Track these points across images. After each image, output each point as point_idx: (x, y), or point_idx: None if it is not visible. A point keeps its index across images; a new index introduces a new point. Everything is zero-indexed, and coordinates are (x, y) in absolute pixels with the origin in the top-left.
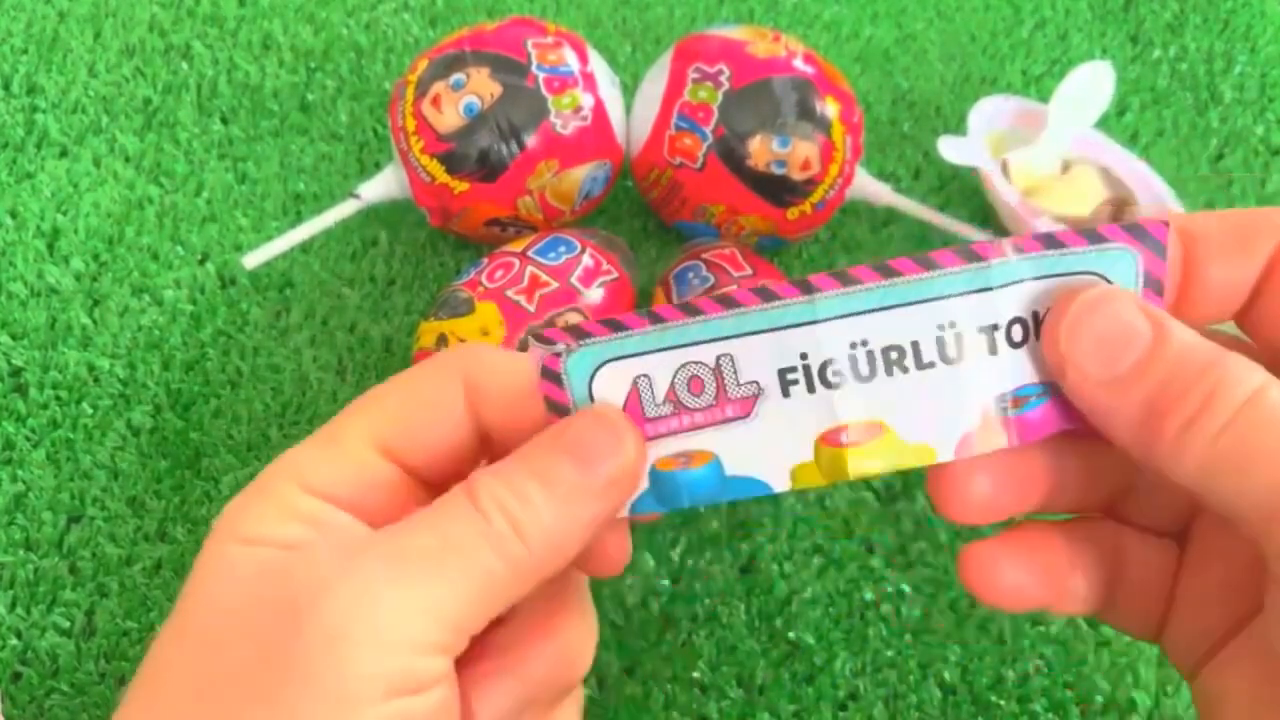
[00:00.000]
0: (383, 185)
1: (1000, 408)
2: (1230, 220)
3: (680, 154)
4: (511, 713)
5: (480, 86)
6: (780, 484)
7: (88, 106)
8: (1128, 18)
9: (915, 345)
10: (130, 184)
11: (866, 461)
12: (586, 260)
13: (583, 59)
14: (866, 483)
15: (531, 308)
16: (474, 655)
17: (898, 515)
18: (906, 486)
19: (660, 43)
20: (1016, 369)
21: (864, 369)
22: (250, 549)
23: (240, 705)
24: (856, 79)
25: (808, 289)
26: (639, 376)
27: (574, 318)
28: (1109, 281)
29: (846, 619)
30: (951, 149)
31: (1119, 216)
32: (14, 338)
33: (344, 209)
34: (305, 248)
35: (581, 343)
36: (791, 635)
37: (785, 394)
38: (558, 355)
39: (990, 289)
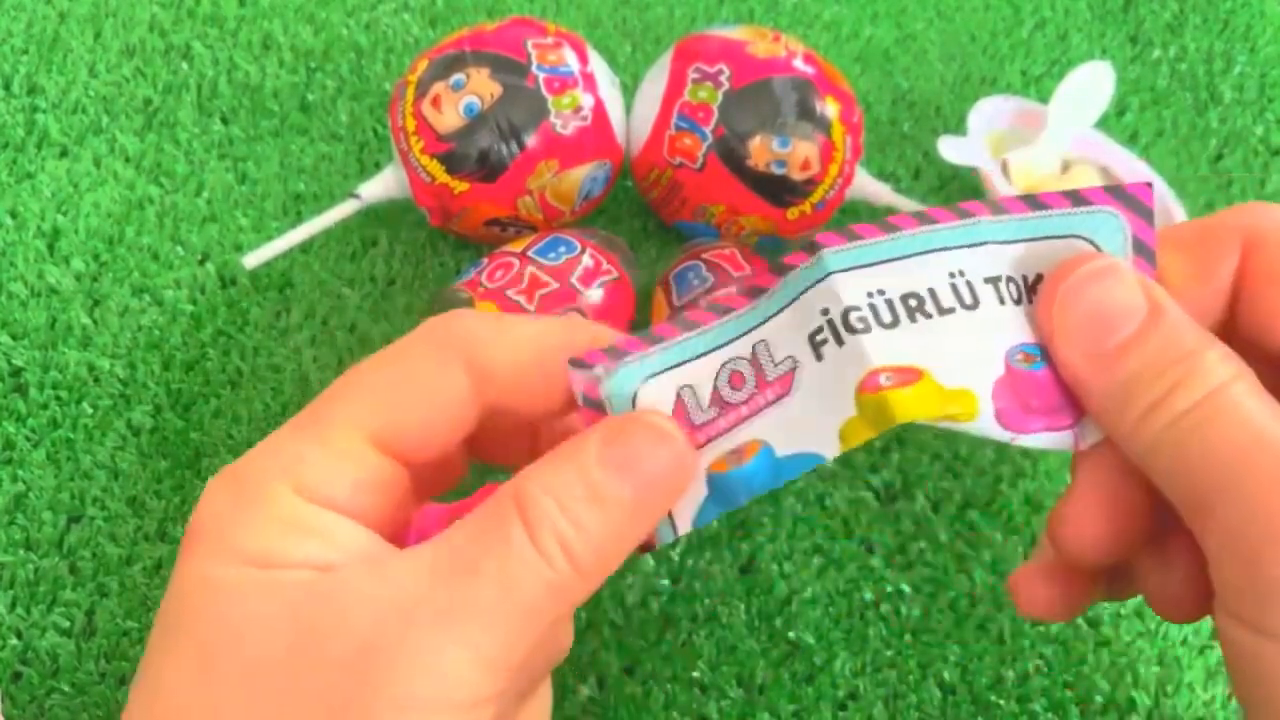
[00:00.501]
0: (383, 185)
1: (1016, 358)
2: (1183, 236)
3: (680, 154)
4: (511, 706)
5: (480, 86)
6: (831, 449)
7: (88, 106)
8: (1128, 18)
9: (932, 292)
10: (130, 184)
11: (911, 405)
12: (586, 260)
13: (583, 59)
14: (866, 484)
15: (531, 308)
16: None
17: (897, 515)
18: (906, 486)
19: (660, 43)
20: (1023, 323)
21: (885, 316)
22: (269, 574)
23: None
24: (856, 79)
25: (813, 248)
26: (683, 388)
27: (574, 318)
28: (1096, 246)
29: (846, 619)
30: (951, 149)
31: None
32: (14, 338)
33: (344, 209)
34: (305, 248)
35: (620, 362)
36: (791, 635)
37: (819, 357)
38: (596, 380)
39: (984, 243)
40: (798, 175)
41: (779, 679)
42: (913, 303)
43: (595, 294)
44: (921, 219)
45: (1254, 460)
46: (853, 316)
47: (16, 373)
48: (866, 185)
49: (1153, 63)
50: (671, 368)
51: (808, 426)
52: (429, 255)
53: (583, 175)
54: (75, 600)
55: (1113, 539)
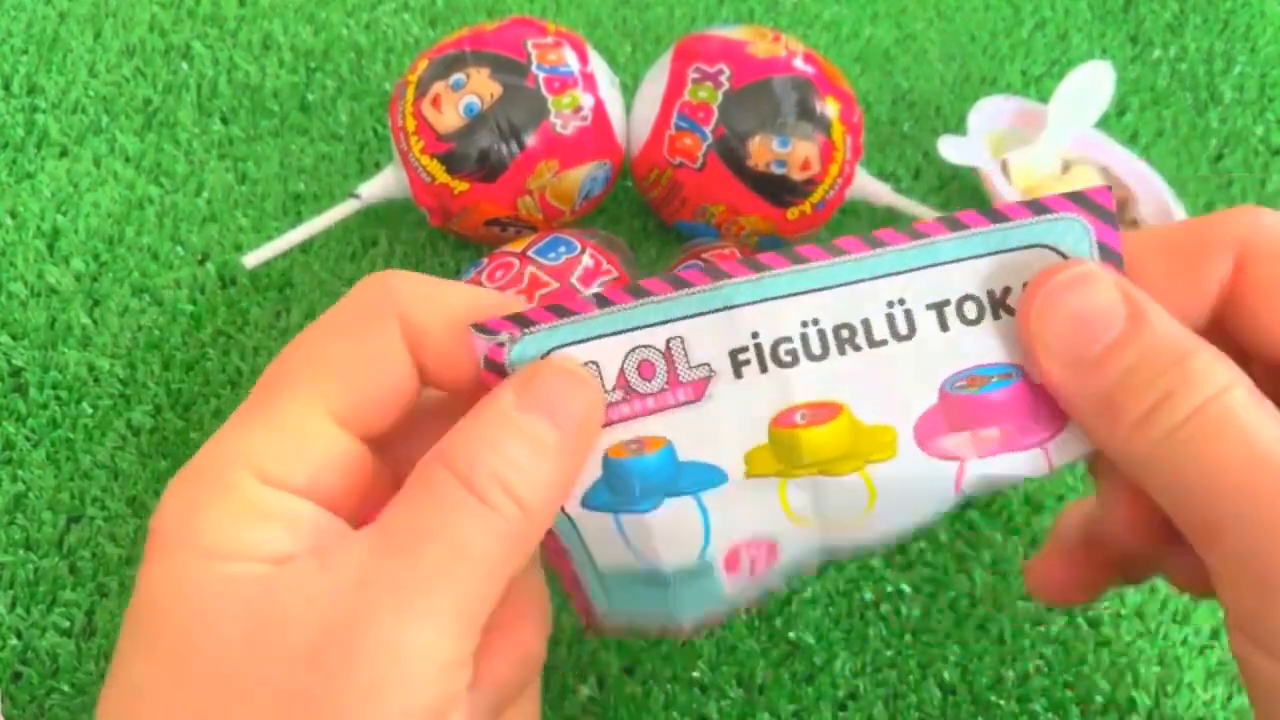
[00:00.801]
0: (383, 185)
1: (955, 385)
2: (1175, 239)
3: (680, 154)
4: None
5: (480, 86)
6: (735, 470)
7: (88, 106)
8: (1128, 18)
9: (866, 323)
10: (130, 184)
11: (822, 445)
12: (586, 260)
13: (583, 59)
14: None
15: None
16: None
17: None
18: None
19: (660, 43)
20: (973, 347)
21: (816, 348)
22: (227, 566)
23: None
24: (856, 79)
25: (758, 267)
26: (587, 363)
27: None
28: (1062, 254)
29: (846, 619)
30: (951, 149)
31: (1121, 216)
32: (14, 338)
33: (344, 209)
34: (305, 248)
35: (526, 331)
36: (791, 635)
37: (738, 375)
38: (501, 345)
39: (939, 264)
40: (798, 175)
41: (779, 679)
42: (844, 334)
43: None
44: (872, 242)
45: (1260, 483)
46: (782, 349)
47: (16, 373)
48: (866, 185)
49: (1153, 63)
50: (578, 342)
51: (715, 440)
52: (429, 255)
53: (583, 175)
54: (75, 600)
55: (1147, 530)
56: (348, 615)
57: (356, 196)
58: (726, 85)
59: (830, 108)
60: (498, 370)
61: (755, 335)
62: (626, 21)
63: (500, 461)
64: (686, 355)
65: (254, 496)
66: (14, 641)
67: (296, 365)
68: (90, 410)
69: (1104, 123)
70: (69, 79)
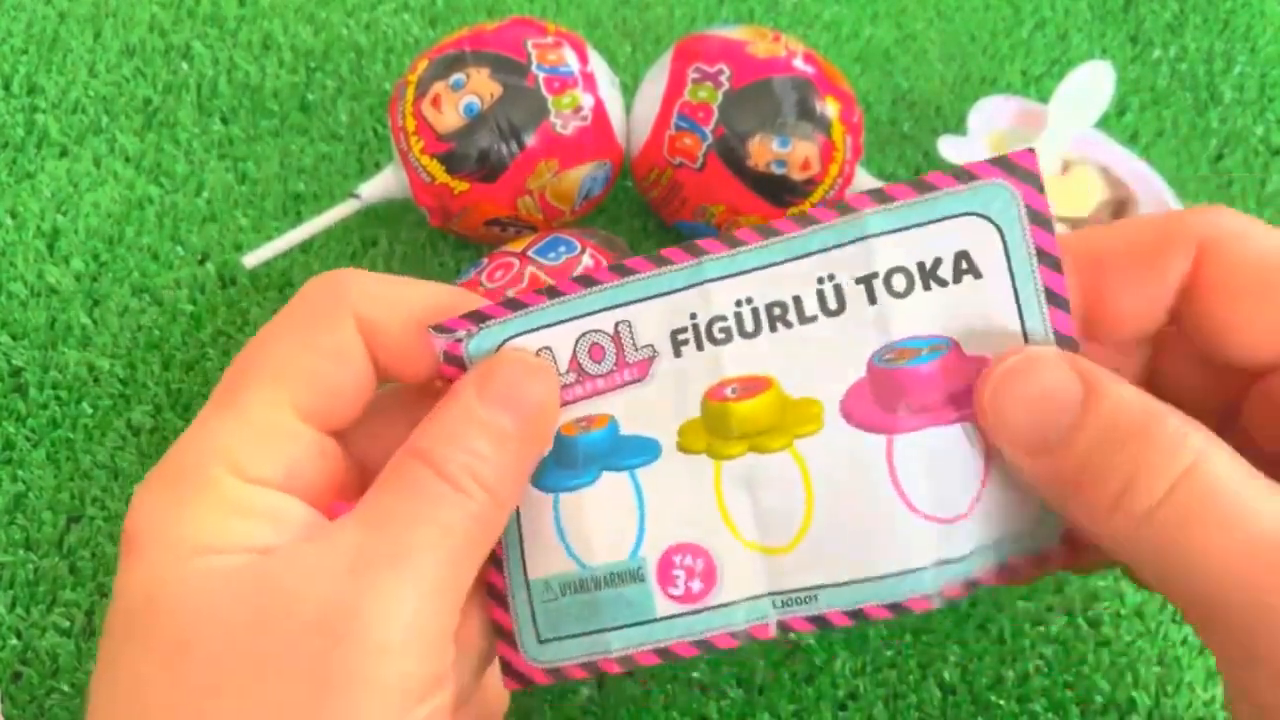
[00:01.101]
0: (383, 185)
1: (883, 359)
2: (1135, 235)
3: (680, 154)
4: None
5: (480, 86)
6: (669, 440)
7: (88, 106)
8: (1128, 18)
9: (797, 300)
10: (130, 184)
11: (749, 416)
12: (586, 260)
13: (583, 59)
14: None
15: None
16: None
17: None
18: None
19: (660, 43)
20: (902, 320)
21: (749, 325)
22: (213, 560)
23: None
24: (856, 79)
25: (697, 253)
26: (541, 349)
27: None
28: (991, 220)
29: None
30: (951, 149)
31: (1121, 216)
32: (14, 338)
33: (344, 209)
34: (305, 248)
35: (482, 326)
36: (791, 635)
37: (677, 354)
38: (459, 341)
39: (865, 238)
40: (798, 175)
41: (779, 679)
42: (776, 311)
43: None
44: (803, 220)
45: (1256, 571)
46: (716, 328)
47: (16, 373)
48: (866, 185)
49: (1153, 63)
50: (531, 330)
51: (654, 414)
52: (429, 255)
53: (583, 175)
54: (75, 600)
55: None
56: (351, 587)
57: (356, 196)
58: (726, 85)
59: (830, 108)
60: (457, 363)
61: (694, 316)
62: (626, 21)
63: (467, 453)
64: (633, 337)
65: (234, 492)
66: (14, 641)
67: (258, 364)
68: (90, 410)
69: (1104, 123)
70: (69, 79)
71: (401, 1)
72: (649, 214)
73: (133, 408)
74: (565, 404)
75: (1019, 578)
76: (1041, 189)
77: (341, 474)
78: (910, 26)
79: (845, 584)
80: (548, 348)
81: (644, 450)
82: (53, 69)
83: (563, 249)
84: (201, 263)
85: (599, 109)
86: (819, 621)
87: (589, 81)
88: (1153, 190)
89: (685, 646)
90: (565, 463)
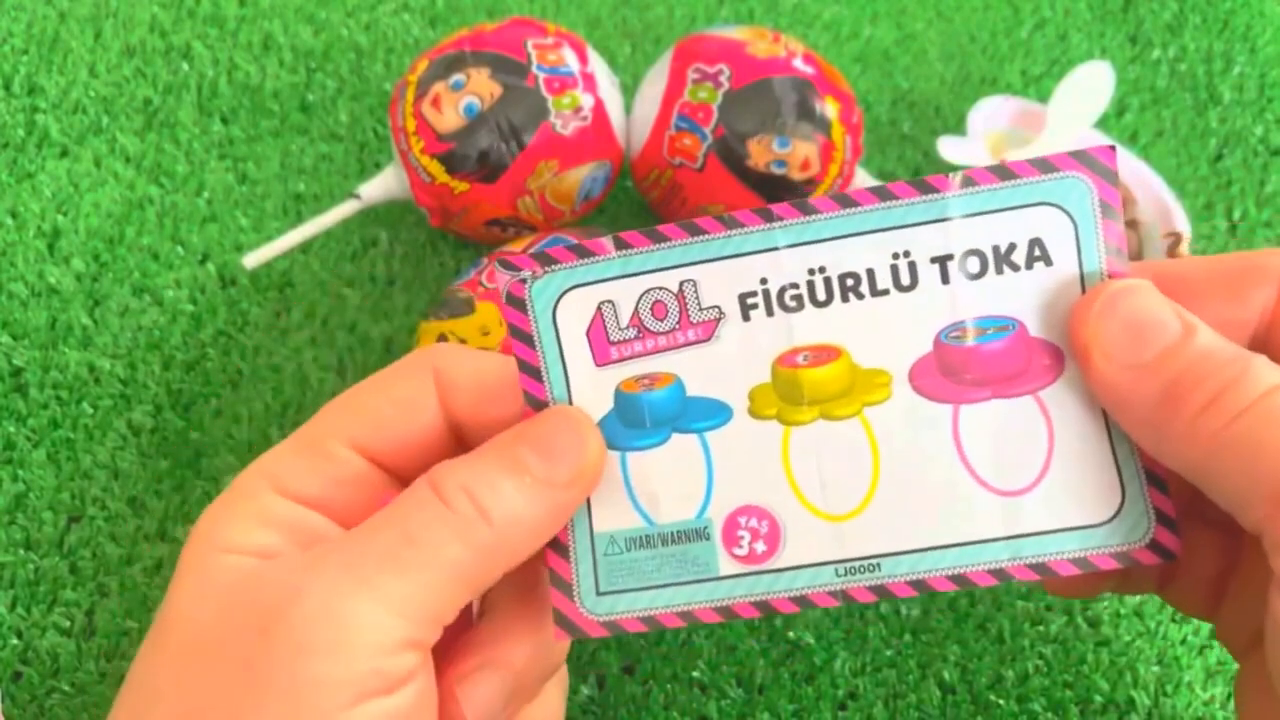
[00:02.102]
0: (383, 185)
1: (949, 335)
2: (1221, 266)
3: (680, 154)
4: (500, 704)
5: (480, 87)
6: (740, 405)
7: (88, 107)
8: (1127, 18)
9: (870, 273)
10: (130, 184)
11: (820, 384)
12: None
13: (583, 59)
14: None
15: None
16: (458, 653)
17: None
18: None
19: (660, 43)
20: (972, 300)
21: (821, 294)
22: (226, 557)
23: None
24: (856, 79)
25: (769, 217)
26: (603, 302)
27: None
28: (1066, 211)
29: (846, 619)
30: (951, 149)
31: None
32: (14, 338)
33: (344, 209)
34: (305, 248)
35: (548, 269)
36: (791, 635)
37: (745, 318)
38: (523, 282)
39: (946, 219)
40: (798, 175)
41: (779, 679)
42: (849, 282)
43: None
44: (882, 194)
45: None
46: (788, 295)
47: (17, 373)
48: (866, 185)
49: (1153, 63)
50: (596, 282)
51: (722, 377)
52: (429, 255)
53: (583, 175)
54: (75, 600)
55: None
56: (297, 585)
57: (356, 196)
58: (726, 85)
59: (830, 108)
60: (519, 306)
61: (764, 281)
62: (626, 21)
63: (472, 476)
64: (698, 297)
65: (265, 503)
66: (14, 641)
67: (333, 406)
68: (90, 410)
69: (1104, 123)
70: (69, 79)
71: (401, 1)
72: (649, 214)
73: (133, 408)
74: (624, 359)
75: (1100, 579)
76: (1116, 184)
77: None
78: (910, 26)
79: (908, 552)
80: (610, 301)
81: (715, 413)
82: (53, 69)
83: None
84: (202, 263)
85: (599, 109)
86: (880, 591)
87: (589, 82)
88: (1152, 190)
89: (746, 607)
90: (631, 421)
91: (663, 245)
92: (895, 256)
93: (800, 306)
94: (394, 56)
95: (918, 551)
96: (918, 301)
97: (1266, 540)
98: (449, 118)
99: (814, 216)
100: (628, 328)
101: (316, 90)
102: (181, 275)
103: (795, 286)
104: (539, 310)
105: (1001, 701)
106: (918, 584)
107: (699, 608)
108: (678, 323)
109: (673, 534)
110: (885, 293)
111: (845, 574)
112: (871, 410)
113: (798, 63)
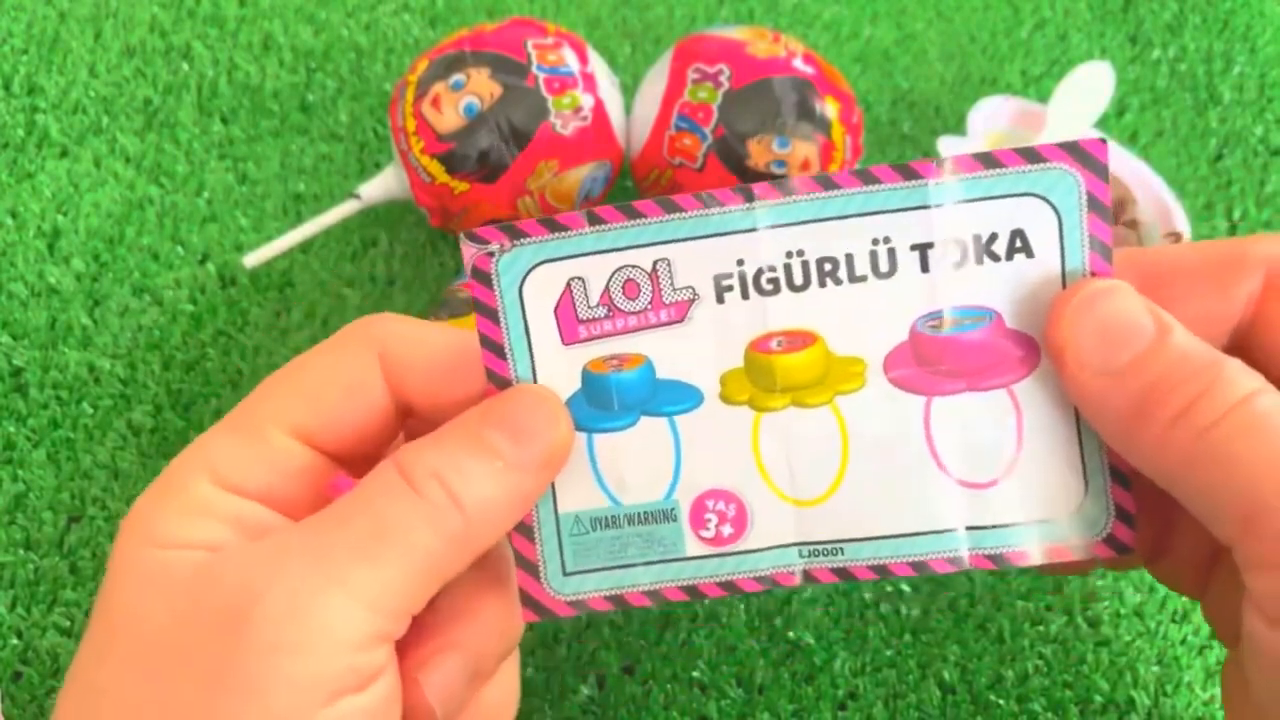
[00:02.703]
0: (383, 185)
1: (926, 325)
2: (1205, 253)
3: (680, 154)
4: (461, 686)
5: (480, 87)
6: (709, 391)
7: (88, 107)
8: (1127, 18)
9: (849, 258)
10: (130, 184)
11: (794, 371)
12: None
13: (583, 59)
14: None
15: None
16: (415, 637)
17: None
18: None
19: (660, 43)
20: (951, 289)
21: (798, 278)
22: (166, 553)
23: None
24: (856, 79)
25: (748, 197)
26: (573, 279)
27: None
28: (1051, 203)
29: (846, 619)
30: (951, 149)
31: (1119, 216)
32: (14, 338)
33: (344, 209)
34: (305, 248)
35: (517, 242)
36: (791, 635)
37: (720, 300)
38: (490, 255)
39: (927, 207)
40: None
41: (779, 679)
42: (827, 267)
43: None
44: (865, 178)
45: None
46: (764, 278)
47: (17, 373)
48: None
49: (1153, 63)
50: (566, 258)
51: (694, 360)
52: (429, 255)
53: (583, 175)
54: (75, 600)
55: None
56: (261, 580)
57: (356, 196)
58: (726, 85)
59: (830, 108)
60: (484, 280)
61: (740, 262)
62: (626, 21)
63: (443, 461)
64: (672, 277)
65: (202, 495)
66: (14, 641)
67: (271, 386)
68: (90, 410)
69: (1104, 123)
70: (69, 79)
71: (401, 2)
72: None
73: (133, 408)
74: (593, 338)
75: (1053, 567)
76: (1106, 179)
77: (327, 497)
78: (910, 26)
79: (871, 539)
80: (580, 277)
81: (685, 397)
82: (53, 69)
83: None
84: (202, 263)
85: (599, 109)
86: (843, 574)
87: (589, 82)
88: (1152, 190)
89: (712, 586)
90: (599, 403)
91: (637, 222)
92: (875, 242)
93: (776, 290)
94: (394, 56)
95: (881, 539)
96: (896, 289)
97: (1238, 555)
98: (449, 118)
99: (794, 197)
100: (597, 306)
101: (316, 90)
102: (181, 275)
103: (772, 269)
104: (505, 285)
105: (1001, 701)
106: (879, 569)
107: (666, 587)
108: (649, 303)
109: (639, 515)
110: (863, 279)
111: (810, 555)
112: (844, 399)
113: (798, 63)
